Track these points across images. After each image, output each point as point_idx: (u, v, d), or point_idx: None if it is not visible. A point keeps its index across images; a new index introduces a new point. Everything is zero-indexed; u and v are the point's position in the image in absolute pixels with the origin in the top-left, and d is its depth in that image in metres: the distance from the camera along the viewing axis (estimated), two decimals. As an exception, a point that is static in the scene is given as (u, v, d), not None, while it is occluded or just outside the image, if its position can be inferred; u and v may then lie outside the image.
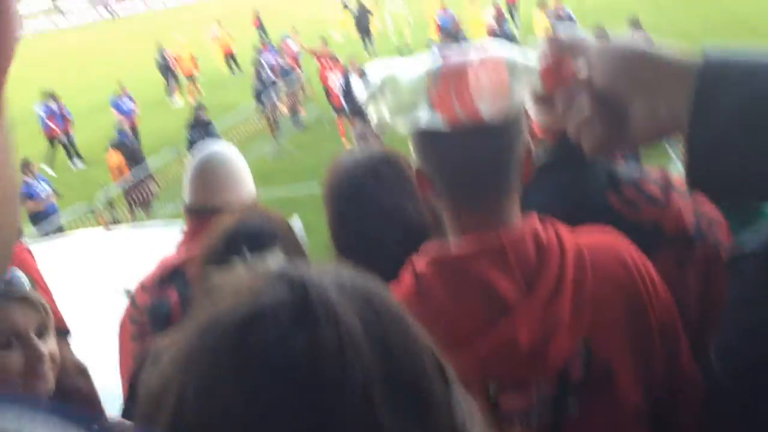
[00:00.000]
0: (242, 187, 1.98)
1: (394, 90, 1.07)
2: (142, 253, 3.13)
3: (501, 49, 0.99)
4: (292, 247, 1.52)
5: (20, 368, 1.44)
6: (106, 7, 75.82)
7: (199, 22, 29.24)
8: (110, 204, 9.85)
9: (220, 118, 12.62)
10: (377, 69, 1.12)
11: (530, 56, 0.90)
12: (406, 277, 1.15)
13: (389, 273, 1.44)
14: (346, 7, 24.13)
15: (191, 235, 1.94)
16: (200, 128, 11.30)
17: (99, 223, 9.07)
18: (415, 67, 1.07)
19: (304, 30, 20.28)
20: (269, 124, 13.48)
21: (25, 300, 1.49)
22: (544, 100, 0.81)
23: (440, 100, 1.03)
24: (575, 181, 1.49)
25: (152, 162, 11.50)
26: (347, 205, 1.56)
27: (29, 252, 2.15)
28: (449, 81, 1.01)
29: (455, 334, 1.05)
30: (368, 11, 21.26)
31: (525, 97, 0.88)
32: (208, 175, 1.96)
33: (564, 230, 1.14)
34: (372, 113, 1.12)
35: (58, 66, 36.10)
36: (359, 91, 1.12)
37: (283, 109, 14.45)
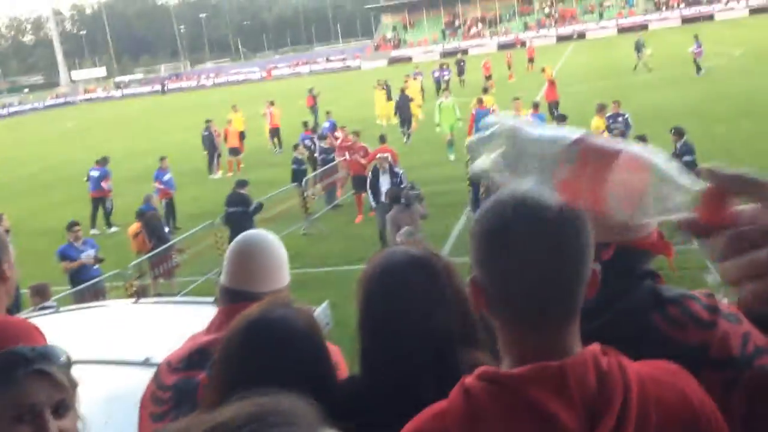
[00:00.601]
0: (278, 276, 2.03)
1: (513, 145, 1.02)
2: (168, 329, 3.13)
3: (653, 154, 0.93)
4: (311, 345, 1.51)
5: None
6: (160, 83, 78.94)
7: (245, 101, 30.24)
8: (140, 272, 9.93)
9: (258, 193, 12.80)
10: (504, 118, 1.06)
11: (683, 174, 0.85)
12: (455, 397, 1.09)
13: (410, 379, 1.43)
14: (389, 98, 25.15)
15: (224, 316, 1.94)
16: (238, 202, 11.42)
17: (127, 289, 9.13)
18: (548, 134, 1.01)
19: (349, 114, 20.89)
20: (304, 203, 13.65)
21: (47, 375, 1.48)
22: (692, 225, 0.76)
23: (568, 177, 0.96)
24: (621, 297, 1.44)
25: (185, 233, 11.66)
26: (375, 306, 1.53)
27: (38, 331, 2.12)
28: (588, 162, 0.95)
29: None
30: (410, 99, 22.21)
31: (655, 210, 0.84)
32: (247, 261, 2.02)
33: (626, 360, 1.09)
34: (475, 155, 1.06)
35: (106, 134, 37.33)
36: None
37: (319, 189, 14.67)
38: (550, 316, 1.08)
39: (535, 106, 16.79)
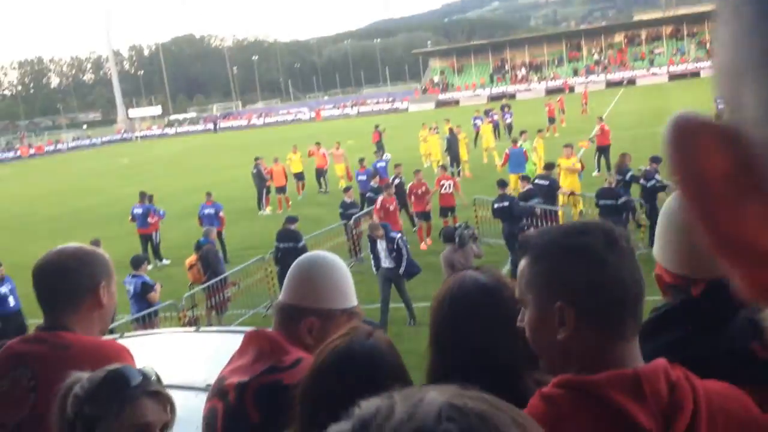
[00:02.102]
0: (337, 295, 1.97)
1: None
2: (228, 356, 3.19)
3: None
4: (398, 371, 1.55)
5: None
6: (212, 122, 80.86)
7: (295, 140, 30.74)
8: (193, 303, 10.11)
9: (307, 231, 12.96)
10: None
11: None
12: (536, 405, 1.15)
13: None
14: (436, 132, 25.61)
15: (284, 337, 1.93)
16: (289, 238, 11.51)
17: (180, 319, 9.32)
18: None
19: (397, 156, 21.10)
20: (352, 241, 13.76)
21: (158, 395, 1.55)
22: None
23: None
24: (721, 325, 1.50)
25: (235, 267, 11.84)
26: (444, 332, 1.59)
27: (128, 352, 2.17)
28: None
29: None
30: (457, 139, 22.68)
31: None
32: (311, 276, 1.99)
33: (692, 375, 1.16)
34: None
35: (159, 171, 38.29)
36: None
37: (366, 227, 14.77)
38: (631, 326, 1.16)
39: (514, 141, 18.53)
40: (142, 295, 9.77)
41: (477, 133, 28.69)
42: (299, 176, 22.85)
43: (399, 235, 10.78)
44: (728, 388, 1.19)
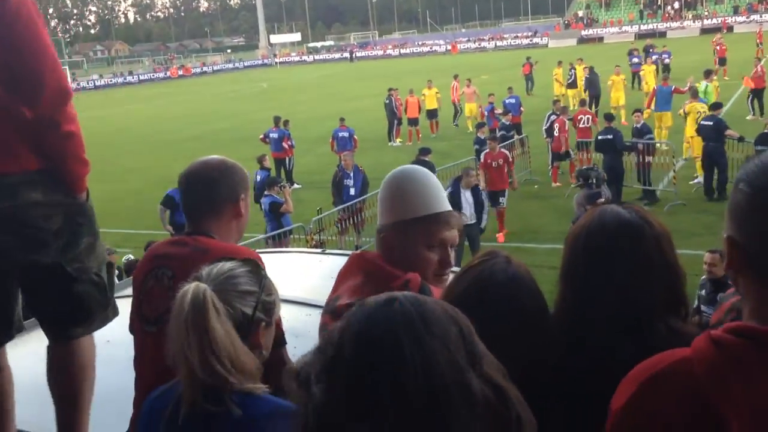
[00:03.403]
0: (401, 205, 1.89)
1: None
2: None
3: None
4: (539, 298, 1.54)
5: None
6: (349, 51, 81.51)
7: (430, 73, 30.50)
8: (320, 227, 10.48)
9: (437, 164, 12.97)
10: None
11: None
12: (703, 346, 1.09)
13: (603, 343, 1.42)
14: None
15: (378, 249, 1.93)
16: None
17: (308, 242, 9.70)
18: None
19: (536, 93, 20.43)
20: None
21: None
22: None
23: None
24: None
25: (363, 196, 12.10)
26: (577, 266, 1.54)
27: (261, 260, 2.31)
28: None
29: (765, 418, 1.00)
30: (598, 76, 21.68)
31: None
32: (378, 198, 1.98)
33: None
34: None
35: (296, 97, 39.26)
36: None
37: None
38: None
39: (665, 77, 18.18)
40: (272, 214, 10.27)
41: (635, 75, 26.74)
42: (432, 114, 22.57)
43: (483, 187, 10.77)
44: None
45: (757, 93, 19.51)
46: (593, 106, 21.24)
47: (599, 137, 13.00)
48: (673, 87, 17.27)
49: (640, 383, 1.11)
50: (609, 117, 13.48)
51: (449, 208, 1.93)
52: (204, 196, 2.22)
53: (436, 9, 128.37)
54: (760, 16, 61.98)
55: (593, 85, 22.41)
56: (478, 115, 21.17)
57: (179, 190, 2.30)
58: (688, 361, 1.08)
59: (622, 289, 1.46)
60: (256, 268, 1.69)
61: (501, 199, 11.65)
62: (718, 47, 30.43)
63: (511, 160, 12.28)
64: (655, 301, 1.46)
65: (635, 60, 27.40)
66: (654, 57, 28.42)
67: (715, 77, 18.51)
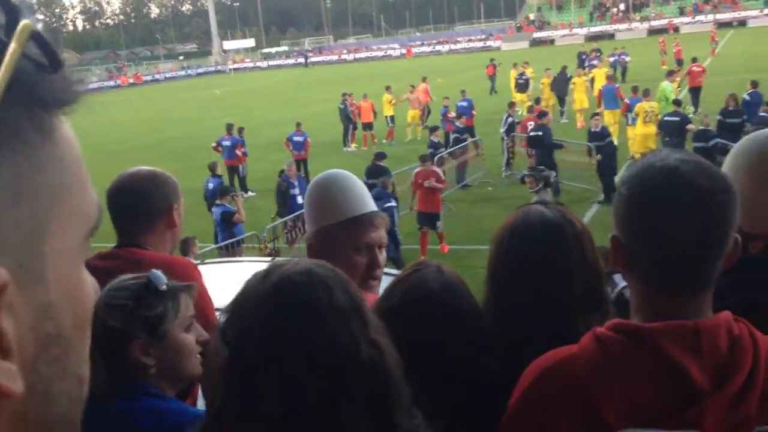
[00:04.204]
0: (317, 212, 1.90)
1: None
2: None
3: None
4: (467, 299, 1.52)
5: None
6: (304, 56, 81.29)
7: (386, 78, 30.57)
8: (274, 235, 10.38)
9: (392, 168, 12.97)
10: None
11: None
12: (587, 344, 1.15)
13: (522, 339, 1.43)
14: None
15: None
16: (378, 173, 11.35)
17: (261, 250, 9.59)
18: None
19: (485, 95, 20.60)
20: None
21: (189, 289, 1.74)
22: None
23: None
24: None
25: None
26: (501, 264, 1.55)
27: (196, 269, 2.30)
28: None
29: (635, 407, 1.06)
30: (568, 77, 22.01)
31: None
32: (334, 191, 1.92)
33: (756, 331, 1.12)
34: None
35: (251, 103, 38.99)
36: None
37: (450, 167, 14.68)
38: (685, 282, 1.11)
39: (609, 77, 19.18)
40: (224, 224, 10.13)
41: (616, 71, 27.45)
42: (391, 119, 22.28)
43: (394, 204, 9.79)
44: None
45: (693, 92, 20.10)
46: (561, 106, 22.19)
47: (531, 133, 13.40)
48: (616, 86, 17.97)
49: (530, 381, 1.19)
50: (542, 114, 13.99)
51: (374, 209, 1.91)
52: (137, 209, 2.21)
53: (391, 13, 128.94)
54: (705, 17, 63.75)
55: (559, 86, 22.66)
56: (414, 125, 21.53)
57: (108, 204, 2.24)
58: (573, 358, 1.15)
59: (544, 288, 1.47)
60: (156, 283, 1.64)
61: (438, 224, 10.82)
62: (675, 49, 31.04)
63: (443, 178, 11.27)
64: (576, 299, 1.47)
65: (594, 62, 27.86)
66: (613, 58, 29.40)
67: (677, 78, 19.09)
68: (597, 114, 14.37)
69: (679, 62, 29.68)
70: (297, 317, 1.03)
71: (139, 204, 2.20)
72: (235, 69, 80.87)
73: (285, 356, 1.00)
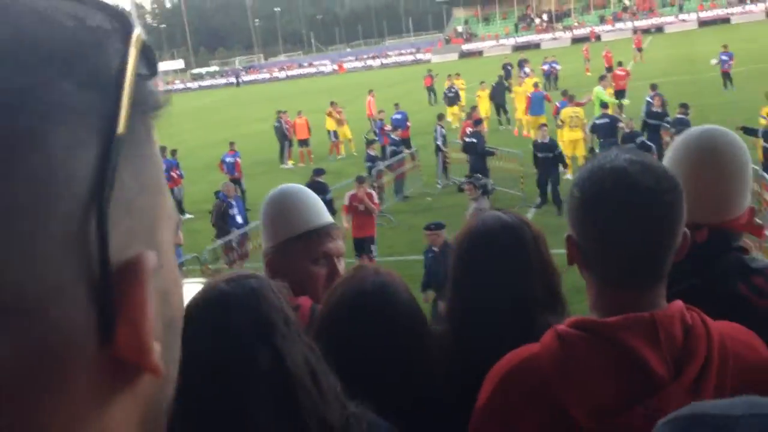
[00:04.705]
0: (275, 228, 1.90)
1: None
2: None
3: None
4: (412, 305, 1.55)
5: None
6: (235, 76, 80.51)
7: (318, 94, 30.60)
8: (215, 257, 10.25)
9: (330, 183, 12.99)
10: None
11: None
12: (549, 342, 1.16)
13: (492, 338, 1.45)
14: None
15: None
16: (316, 189, 11.37)
17: (203, 272, 9.45)
18: None
19: (420, 108, 20.83)
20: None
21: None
22: None
23: None
24: (709, 266, 1.52)
25: (256, 222, 11.93)
26: (464, 267, 1.59)
27: None
28: None
29: (600, 401, 1.08)
30: (507, 87, 22.67)
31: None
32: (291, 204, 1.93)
33: (707, 318, 1.16)
34: None
35: (183, 125, 38.39)
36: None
37: (388, 179, 14.80)
38: (639, 278, 1.15)
39: (535, 84, 19.79)
40: None
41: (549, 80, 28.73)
42: (334, 134, 22.05)
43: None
44: (740, 331, 1.20)
45: (618, 95, 20.68)
46: (500, 115, 22.70)
47: (466, 139, 13.72)
48: (545, 93, 18.76)
49: (495, 383, 1.20)
50: (477, 122, 14.69)
51: (329, 220, 1.93)
52: None
53: (321, 30, 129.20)
54: (625, 24, 66.11)
55: (498, 94, 22.93)
56: (347, 141, 21.71)
57: None
58: (536, 357, 1.17)
59: (505, 289, 1.51)
60: None
61: (372, 247, 10.41)
62: (604, 57, 31.82)
63: (375, 198, 10.88)
64: (536, 299, 1.52)
65: (527, 70, 28.50)
66: (546, 66, 30.55)
67: (610, 84, 19.71)
68: (544, 125, 13.93)
69: (609, 69, 30.63)
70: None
71: None
72: (165, 91, 79.27)
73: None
